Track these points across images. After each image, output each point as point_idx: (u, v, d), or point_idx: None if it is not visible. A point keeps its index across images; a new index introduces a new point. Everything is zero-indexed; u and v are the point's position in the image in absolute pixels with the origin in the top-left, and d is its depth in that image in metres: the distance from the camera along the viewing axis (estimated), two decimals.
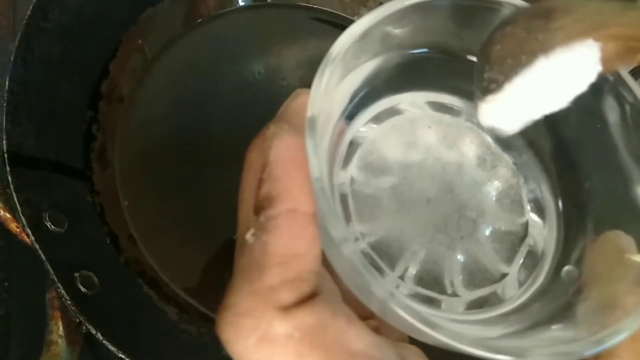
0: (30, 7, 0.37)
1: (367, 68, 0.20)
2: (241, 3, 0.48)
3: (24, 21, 0.36)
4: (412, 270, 0.20)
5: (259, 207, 0.16)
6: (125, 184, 0.42)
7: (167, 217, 0.42)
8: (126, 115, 0.44)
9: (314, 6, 0.49)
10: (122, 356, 0.32)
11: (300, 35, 0.48)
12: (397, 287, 0.20)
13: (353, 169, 0.21)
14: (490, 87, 0.18)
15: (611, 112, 0.20)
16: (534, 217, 0.21)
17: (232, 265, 0.17)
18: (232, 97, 0.45)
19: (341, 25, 0.49)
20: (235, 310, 0.16)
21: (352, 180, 0.21)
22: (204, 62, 0.46)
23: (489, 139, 0.22)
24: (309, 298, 0.16)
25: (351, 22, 0.49)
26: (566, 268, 0.20)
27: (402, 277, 0.20)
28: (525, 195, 0.22)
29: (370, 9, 0.49)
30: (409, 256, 0.20)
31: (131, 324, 0.37)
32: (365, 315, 0.18)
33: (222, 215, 0.42)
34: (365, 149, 0.21)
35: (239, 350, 0.16)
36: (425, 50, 0.21)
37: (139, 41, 0.45)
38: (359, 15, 0.50)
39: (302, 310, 0.15)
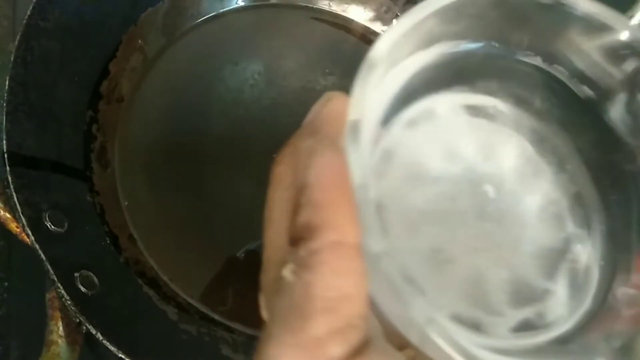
0: (30, 7, 0.37)
1: (406, 70, 0.19)
2: (241, 3, 0.48)
3: (24, 21, 0.36)
4: (453, 289, 0.18)
5: (298, 238, 0.14)
6: (125, 184, 0.42)
7: (167, 217, 0.42)
8: (126, 115, 0.44)
9: (314, 6, 0.49)
10: (122, 356, 0.32)
11: (300, 35, 0.48)
12: (438, 306, 0.18)
13: (386, 180, 0.19)
14: None
15: None
16: (577, 231, 0.20)
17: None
18: (232, 97, 0.45)
19: (341, 25, 0.49)
20: None
21: (385, 192, 0.19)
22: (203, 62, 0.46)
23: (530, 148, 0.20)
24: (360, 349, 0.14)
25: (351, 22, 0.49)
26: (621, 289, 0.18)
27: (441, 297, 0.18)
28: (568, 208, 0.20)
29: (370, 9, 0.49)
30: (448, 274, 0.18)
31: (131, 324, 0.37)
32: (402, 343, 0.16)
33: (222, 215, 0.42)
34: (400, 158, 0.19)
35: None
36: (466, 51, 0.20)
37: (139, 41, 0.45)
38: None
39: None
